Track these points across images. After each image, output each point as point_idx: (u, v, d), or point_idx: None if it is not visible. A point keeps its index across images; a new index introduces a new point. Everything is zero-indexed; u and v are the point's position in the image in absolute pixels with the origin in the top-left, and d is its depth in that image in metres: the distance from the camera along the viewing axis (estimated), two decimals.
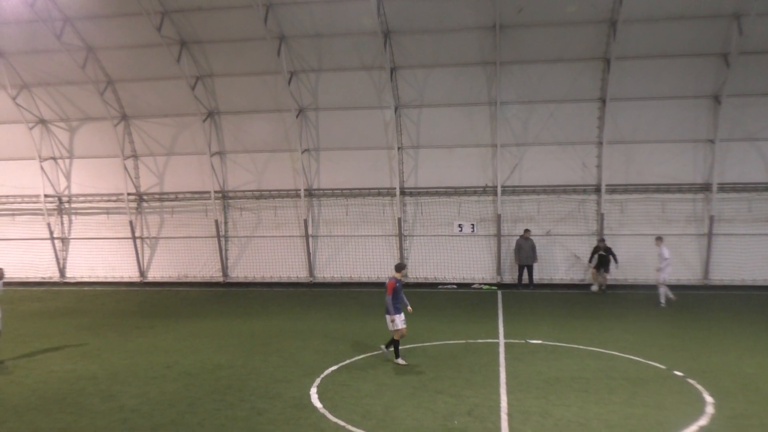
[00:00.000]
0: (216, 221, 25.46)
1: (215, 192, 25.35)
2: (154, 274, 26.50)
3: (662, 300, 19.22)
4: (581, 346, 14.35)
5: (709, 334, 15.75)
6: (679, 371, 12.43)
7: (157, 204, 26.30)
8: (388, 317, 13.22)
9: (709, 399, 10.81)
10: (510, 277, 23.97)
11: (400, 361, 13.09)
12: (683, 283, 22.81)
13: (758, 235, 22.49)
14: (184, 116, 24.99)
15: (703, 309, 18.87)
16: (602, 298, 21.26)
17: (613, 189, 23.14)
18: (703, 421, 9.81)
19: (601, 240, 22.41)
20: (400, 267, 13.73)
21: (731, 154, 22.50)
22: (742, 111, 22.07)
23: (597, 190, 23.27)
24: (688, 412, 10.19)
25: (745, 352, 13.90)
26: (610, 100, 22.33)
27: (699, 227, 22.96)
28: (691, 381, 11.83)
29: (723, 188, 22.52)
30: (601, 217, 23.15)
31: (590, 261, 22.63)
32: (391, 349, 13.35)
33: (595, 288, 22.20)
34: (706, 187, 22.70)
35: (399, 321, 13.12)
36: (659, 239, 19.83)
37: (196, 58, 23.89)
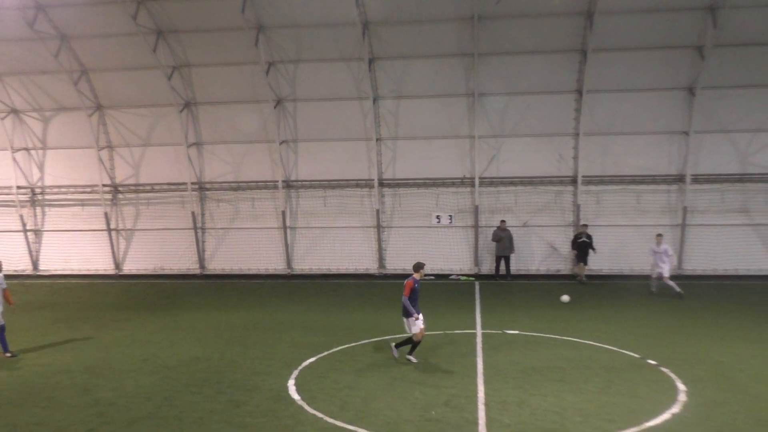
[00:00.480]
0: (193, 213, 25.24)
1: (192, 183, 25.11)
2: (130, 267, 26.23)
3: (678, 288, 19.32)
4: (558, 336, 14.52)
5: (682, 324, 16.02)
6: (653, 360, 12.64)
7: (133, 196, 25.98)
8: (410, 319, 12.62)
9: (681, 387, 11.02)
10: (488, 268, 24.12)
11: (413, 358, 12.77)
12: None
13: (730, 226, 22.86)
14: (161, 107, 24.68)
15: (676, 298, 19.16)
16: (579, 289, 21.48)
17: (589, 180, 23.35)
18: (675, 409, 10.00)
19: (584, 225, 22.61)
20: (418, 266, 12.96)
21: (705, 146, 22.81)
22: (716, 103, 22.36)
23: (573, 181, 23.47)
24: (662, 400, 10.38)
25: (716, 341, 14.17)
26: (586, 92, 22.47)
27: (673, 218, 23.28)
28: (664, 369, 12.04)
29: (697, 179, 22.85)
30: (577, 208, 23.37)
31: (573, 248, 22.78)
32: (401, 348, 12.95)
33: (583, 277, 22.49)
34: (680, 179, 23.01)
35: (421, 321, 12.62)
36: (660, 236, 20.11)
37: (173, 47, 23.58)
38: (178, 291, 22.67)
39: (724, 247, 22.81)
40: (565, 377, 11.67)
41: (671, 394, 10.67)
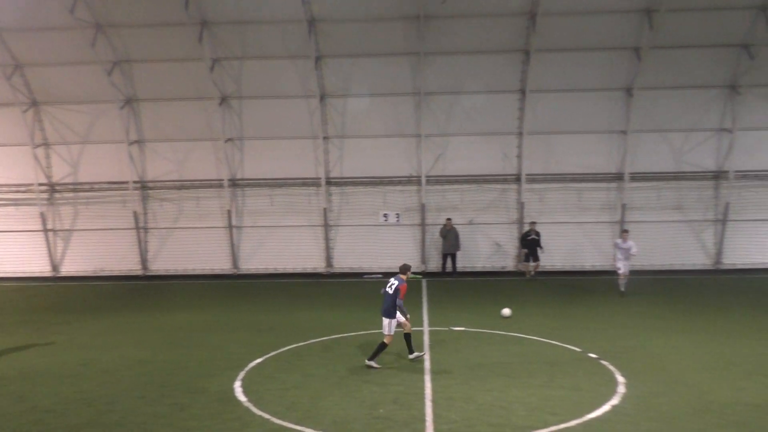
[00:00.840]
0: (135, 212, 24.60)
1: (134, 182, 24.47)
2: (68, 268, 25.37)
3: (623, 288, 19.26)
4: (503, 332, 14.77)
5: (621, 318, 16.53)
6: (594, 353, 13.00)
7: (71, 195, 25.13)
8: (396, 320, 12.37)
9: (621, 379, 11.37)
10: (434, 265, 24.35)
11: (419, 353, 12.79)
12: (597, 268, 23.86)
13: (666, 222, 23.72)
14: (100, 103, 23.95)
15: (615, 293, 19.76)
16: (522, 285, 21.92)
17: (532, 178, 23.84)
18: (615, 401, 10.32)
19: (533, 223, 23.05)
20: (406, 268, 12.78)
21: (642, 145, 23.59)
22: (652, 103, 23.16)
23: (517, 179, 23.92)
24: (602, 393, 10.69)
25: (653, 334, 14.68)
26: (529, 92, 22.94)
27: (612, 215, 24.00)
28: (604, 362, 12.40)
29: (634, 177, 23.61)
30: (521, 206, 23.83)
31: (522, 246, 23.14)
32: (421, 354, 12.85)
33: (532, 273, 22.94)
34: (619, 177, 23.73)
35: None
36: (626, 232, 19.88)
37: (113, 42, 22.92)
38: (119, 293, 22.09)
39: (660, 243, 23.64)
40: (511, 372, 11.89)
41: (611, 387, 11.00)
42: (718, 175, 23.63)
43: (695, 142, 23.56)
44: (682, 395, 10.52)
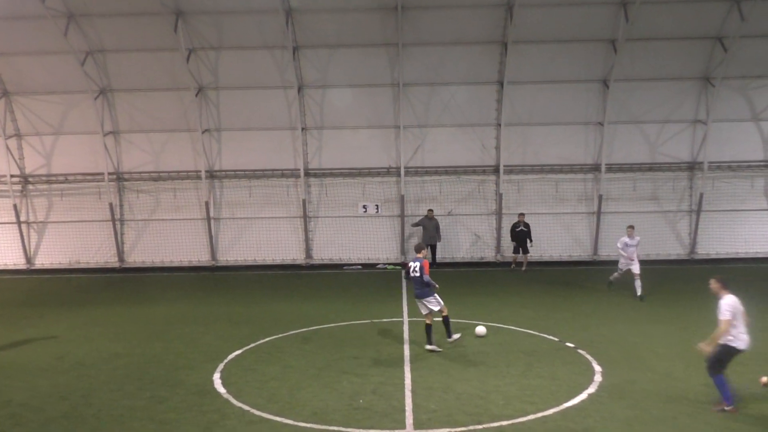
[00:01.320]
0: (110, 204, 24.29)
1: (109, 174, 24.14)
2: (43, 261, 25.00)
3: (641, 291, 17.51)
4: (481, 322, 14.83)
5: (598, 307, 16.73)
6: (571, 343, 13.16)
7: (45, 187, 24.74)
8: (435, 298, 12.74)
9: (597, 368, 11.52)
10: (414, 256, 24.32)
11: (456, 336, 13.15)
12: (575, 259, 24.12)
13: (642, 213, 23.97)
14: (74, 93, 23.57)
15: (592, 283, 19.99)
16: (500, 276, 22.07)
17: (510, 170, 23.97)
18: (591, 389, 10.45)
19: (521, 214, 22.93)
20: (421, 247, 13.39)
21: (618, 136, 23.83)
22: (628, 95, 23.39)
23: (496, 170, 24.02)
24: (579, 381, 10.82)
25: (629, 323, 14.88)
26: (507, 83, 23.01)
27: (589, 206, 24.24)
28: (581, 352, 12.55)
29: (611, 168, 23.84)
30: (499, 197, 23.96)
31: (511, 239, 23.03)
32: (456, 336, 13.12)
33: (523, 268, 22.80)
34: (595, 168, 23.96)
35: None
36: (632, 228, 18.15)
37: (86, 31, 22.54)
38: (95, 285, 21.84)
39: (636, 233, 23.84)
40: (489, 362, 11.99)
41: (588, 375, 11.14)
42: (692, 166, 23.98)
43: (670, 134, 23.87)
44: (657, 383, 10.69)
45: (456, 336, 13.12)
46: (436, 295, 12.81)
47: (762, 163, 23.98)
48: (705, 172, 23.56)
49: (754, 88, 23.37)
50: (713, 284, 9.91)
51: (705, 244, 24.22)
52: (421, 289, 12.76)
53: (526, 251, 22.85)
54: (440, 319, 13.06)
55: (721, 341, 9.54)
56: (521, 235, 22.75)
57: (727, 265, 23.31)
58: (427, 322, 12.81)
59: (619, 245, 17.84)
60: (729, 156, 23.80)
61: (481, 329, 13.44)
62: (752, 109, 23.63)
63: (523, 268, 22.80)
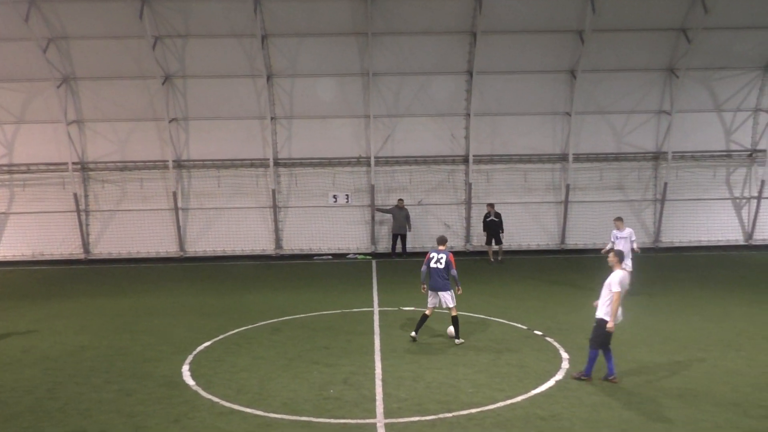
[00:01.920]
0: (75, 195, 23.81)
1: (73, 164, 23.64)
2: (5, 253, 24.39)
3: None
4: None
5: (564, 295, 17.01)
6: (539, 331, 13.36)
7: (6, 177, 24.12)
8: (451, 293, 12.53)
9: (565, 355, 11.73)
10: (384, 246, 24.45)
11: (461, 340, 12.68)
12: (543, 248, 24.43)
13: (608, 202, 24.36)
14: (36, 81, 22.96)
15: (559, 272, 20.29)
16: (470, 265, 22.22)
17: (480, 159, 24.11)
18: (559, 376, 10.65)
19: (491, 205, 22.91)
20: (445, 239, 13.00)
21: (585, 127, 24.12)
22: (595, 86, 23.66)
23: (465, 160, 24.15)
24: (547, 369, 11.01)
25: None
26: (477, 73, 23.09)
27: (557, 195, 24.53)
28: (549, 339, 12.76)
29: (578, 158, 24.15)
30: (469, 187, 24.10)
31: (483, 229, 22.99)
32: (461, 341, 12.66)
33: (499, 258, 22.75)
34: (563, 158, 24.24)
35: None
36: (620, 220, 17.47)
37: (48, 17, 21.96)
38: (60, 277, 21.44)
39: (602, 222, 24.19)
40: (459, 350, 12.11)
41: (556, 363, 11.34)
42: (657, 156, 24.41)
43: (635, 124, 24.24)
44: (623, 369, 10.91)
45: (461, 340, 12.66)
46: (449, 293, 12.55)
47: (724, 153, 24.52)
48: (669, 162, 24.01)
49: (716, 80, 23.84)
50: (611, 257, 10.60)
51: (669, 232, 24.73)
52: (441, 281, 12.50)
53: (499, 242, 22.80)
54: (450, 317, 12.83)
55: (599, 315, 10.30)
56: (492, 226, 22.71)
57: (689, 252, 23.87)
58: (427, 312, 12.71)
59: (612, 238, 17.24)
60: (692, 146, 24.27)
61: (452, 330, 13.44)
62: (715, 100, 24.11)
63: (500, 258, 22.79)
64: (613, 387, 10.12)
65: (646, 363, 11.31)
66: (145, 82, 23.19)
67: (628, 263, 16.45)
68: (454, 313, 12.62)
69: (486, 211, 22.98)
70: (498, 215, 22.70)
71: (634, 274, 16.05)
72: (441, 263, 12.48)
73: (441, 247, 12.76)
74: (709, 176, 24.62)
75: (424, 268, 12.68)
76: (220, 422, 9.00)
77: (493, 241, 22.80)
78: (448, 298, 12.52)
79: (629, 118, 24.17)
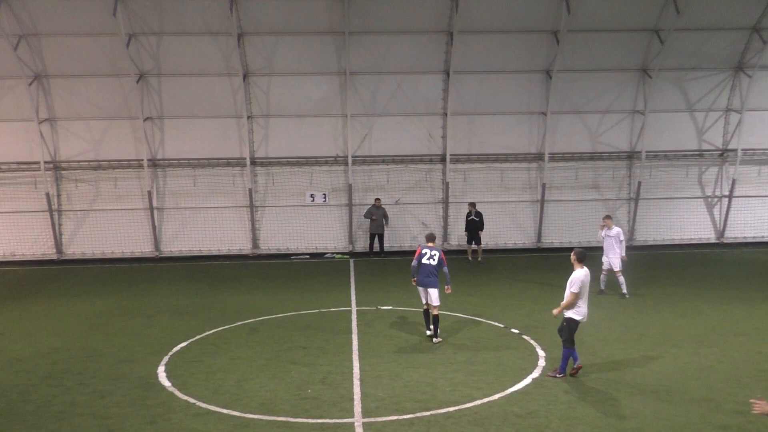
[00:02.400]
0: (47, 194, 23.42)
1: (45, 162, 23.26)
2: None
3: (625, 289, 16.44)
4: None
5: (540, 293, 17.13)
6: (516, 329, 13.45)
7: None
8: (437, 292, 12.63)
9: (541, 353, 11.82)
10: (362, 245, 24.44)
11: (438, 339, 12.69)
12: (519, 246, 24.61)
13: (583, 201, 24.65)
14: (6, 79, 22.53)
15: (535, 270, 20.44)
16: (448, 265, 22.22)
17: (457, 158, 24.21)
18: (535, 374, 10.73)
19: (472, 204, 22.80)
20: (434, 236, 13.35)
21: (561, 126, 24.34)
22: (570, 86, 23.90)
23: (442, 159, 24.23)
24: (524, 366, 11.09)
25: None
26: (453, 73, 23.19)
27: (533, 194, 24.73)
28: (526, 337, 12.85)
29: (554, 157, 24.36)
30: (446, 186, 24.19)
31: (465, 231, 22.79)
32: (438, 340, 12.65)
33: (479, 258, 22.57)
34: (539, 157, 24.44)
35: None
36: (609, 218, 17.33)
37: (18, 14, 21.57)
38: (32, 278, 21.07)
39: (577, 221, 24.57)
40: (436, 349, 12.15)
41: (532, 360, 11.42)
42: (631, 155, 24.73)
43: (610, 124, 24.52)
44: (598, 366, 11.04)
45: (439, 339, 12.67)
46: (436, 291, 12.63)
47: (696, 153, 24.91)
48: (643, 161, 24.33)
49: (688, 80, 24.21)
50: (572, 257, 10.89)
51: (643, 231, 25.06)
52: (431, 278, 12.61)
53: (478, 242, 22.63)
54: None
55: (566, 314, 10.48)
56: (472, 225, 22.57)
57: (662, 251, 24.21)
58: (426, 308, 12.87)
59: (600, 236, 17.08)
60: (665, 145, 24.63)
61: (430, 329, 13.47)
62: (687, 100, 24.48)
63: (479, 258, 22.60)
64: (588, 384, 10.23)
65: (620, 359, 11.45)
66: (119, 80, 22.91)
67: (615, 262, 16.58)
68: (435, 312, 12.65)
69: (468, 210, 22.89)
70: (479, 214, 22.58)
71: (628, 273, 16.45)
72: (434, 260, 12.64)
73: (430, 244, 12.98)
74: (681, 175, 25.01)
75: (414, 263, 12.78)
76: (196, 423, 8.92)
77: (474, 241, 22.71)
78: (434, 297, 12.61)
79: (604, 117, 24.45)
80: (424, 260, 12.66)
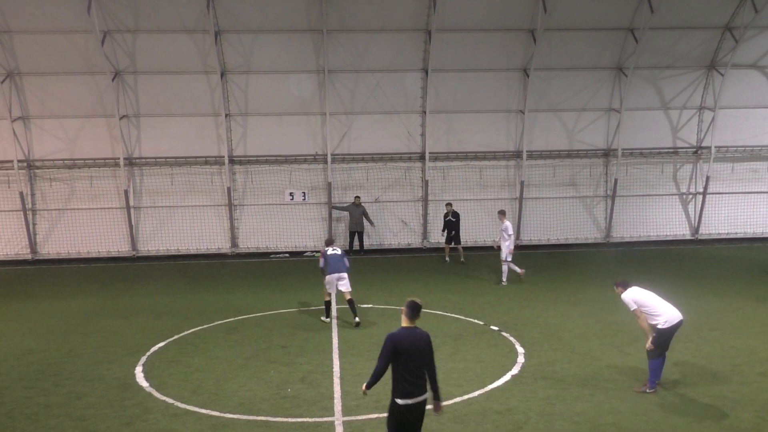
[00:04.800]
0: (21, 193, 23.05)
1: (19, 161, 22.89)
2: None
3: (504, 279, 17.98)
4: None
5: (519, 290, 17.25)
6: (495, 326, 13.54)
7: None
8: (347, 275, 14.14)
9: (520, 349, 11.91)
10: (341, 243, 24.36)
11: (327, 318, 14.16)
12: (498, 244, 24.69)
13: (561, 198, 24.86)
14: None
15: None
16: (428, 262, 22.37)
17: (435, 157, 24.27)
18: (515, 370, 10.81)
19: (448, 204, 22.51)
20: (331, 241, 14.95)
21: (538, 124, 24.51)
22: (547, 84, 24.07)
23: (421, 157, 24.27)
24: (503, 363, 11.17)
25: (549, 305, 15.43)
26: (432, 71, 23.24)
27: (512, 192, 24.88)
28: (505, 334, 12.94)
29: (531, 155, 24.53)
30: (425, 184, 24.24)
31: (443, 231, 22.45)
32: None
33: (462, 259, 22.20)
34: (517, 155, 24.59)
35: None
36: (502, 213, 18.81)
37: None
38: (5, 279, 20.73)
39: (555, 218, 24.79)
40: None
41: (512, 357, 11.51)
42: (607, 153, 24.98)
43: (586, 122, 24.74)
44: (576, 362, 11.16)
45: (358, 320, 13.81)
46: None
47: (671, 150, 25.24)
48: (619, 159, 24.59)
49: (663, 78, 24.51)
50: (616, 289, 10.23)
51: (619, 228, 25.33)
52: (339, 263, 13.99)
53: (458, 242, 22.30)
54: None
55: (654, 331, 9.64)
56: (448, 226, 22.27)
57: (638, 247, 24.50)
58: (328, 299, 14.18)
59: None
60: (641, 143, 24.90)
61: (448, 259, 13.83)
62: (662, 98, 24.79)
63: (462, 259, 21.98)
64: (566, 381, 10.33)
65: (597, 355, 11.58)
66: (94, 78, 22.61)
67: (503, 252, 18.00)
68: (350, 297, 13.96)
69: (445, 211, 22.58)
70: (456, 215, 22.32)
71: (584, 266, 16.51)
72: (338, 251, 14.22)
73: (331, 246, 14.46)
74: (657, 173, 25.32)
75: (322, 261, 14.16)
76: (174, 424, 8.85)
77: (452, 241, 22.38)
78: (347, 283, 14.01)
79: (580, 115, 24.67)
80: (329, 253, 14.03)
